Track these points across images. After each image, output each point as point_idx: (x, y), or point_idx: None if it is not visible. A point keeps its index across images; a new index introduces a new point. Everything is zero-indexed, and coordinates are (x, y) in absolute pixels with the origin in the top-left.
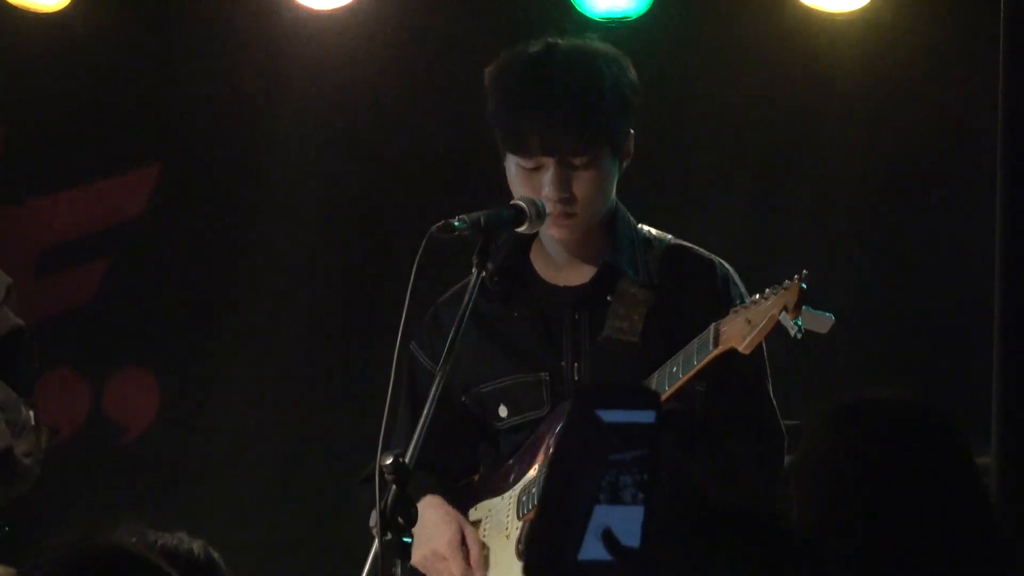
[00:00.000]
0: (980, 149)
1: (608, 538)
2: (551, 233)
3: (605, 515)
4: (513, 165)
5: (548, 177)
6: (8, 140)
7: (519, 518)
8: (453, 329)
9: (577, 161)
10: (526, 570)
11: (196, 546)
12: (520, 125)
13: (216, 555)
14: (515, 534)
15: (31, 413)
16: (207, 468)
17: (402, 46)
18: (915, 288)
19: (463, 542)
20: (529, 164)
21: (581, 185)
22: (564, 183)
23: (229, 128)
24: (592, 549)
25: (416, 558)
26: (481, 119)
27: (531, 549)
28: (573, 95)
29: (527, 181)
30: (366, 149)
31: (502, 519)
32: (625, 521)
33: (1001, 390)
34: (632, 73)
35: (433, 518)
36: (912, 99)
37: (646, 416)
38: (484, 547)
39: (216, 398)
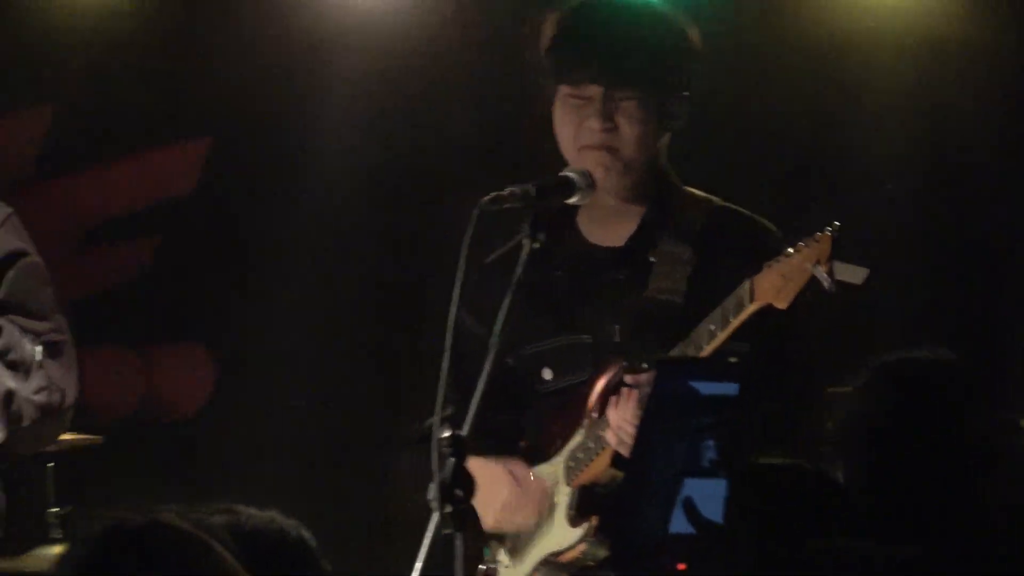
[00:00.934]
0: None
1: (690, 509)
2: (593, 170)
3: (689, 487)
4: (560, 105)
5: (593, 109)
6: (57, 116)
7: (567, 484)
8: (507, 301)
9: (623, 96)
10: (613, 542)
11: (288, 525)
12: (572, 50)
13: (307, 534)
14: (564, 500)
15: (39, 348)
16: (261, 443)
17: (450, 20)
18: (961, 247)
19: (524, 488)
20: (576, 92)
21: (625, 120)
22: (608, 115)
23: (279, 102)
24: (680, 522)
25: (489, 522)
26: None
27: (617, 521)
28: (628, 29)
29: (573, 116)
30: (417, 121)
31: (550, 485)
32: (708, 493)
33: None
34: (693, 38)
35: (485, 477)
36: (956, 56)
37: (730, 388)
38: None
39: (268, 372)
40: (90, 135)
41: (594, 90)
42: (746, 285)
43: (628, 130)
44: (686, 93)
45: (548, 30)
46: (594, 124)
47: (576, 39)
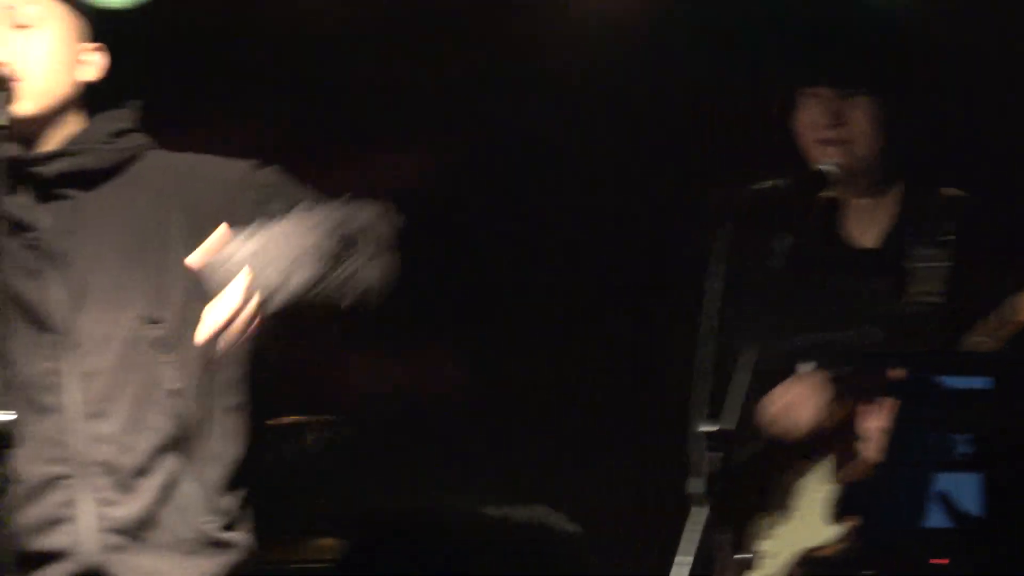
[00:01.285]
0: None
1: (946, 504)
2: (826, 160)
3: (944, 481)
4: (798, 102)
5: (825, 105)
6: (299, 107)
7: (830, 481)
8: (764, 296)
9: (851, 94)
10: (867, 538)
11: (558, 520)
12: (804, 53)
13: (577, 528)
14: (827, 496)
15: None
16: (514, 438)
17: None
18: None
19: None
20: (810, 92)
21: (856, 116)
22: (837, 112)
23: (512, 99)
24: (935, 517)
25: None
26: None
27: (870, 517)
28: (858, 30)
29: (809, 112)
30: (662, 117)
31: (811, 481)
32: (963, 486)
33: None
34: (924, 38)
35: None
36: None
37: (984, 382)
38: (793, 506)
39: (517, 365)
40: (332, 129)
41: (826, 92)
42: (1012, 301)
43: (859, 126)
44: (918, 92)
45: (782, 33)
46: (825, 120)
47: (807, 42)
